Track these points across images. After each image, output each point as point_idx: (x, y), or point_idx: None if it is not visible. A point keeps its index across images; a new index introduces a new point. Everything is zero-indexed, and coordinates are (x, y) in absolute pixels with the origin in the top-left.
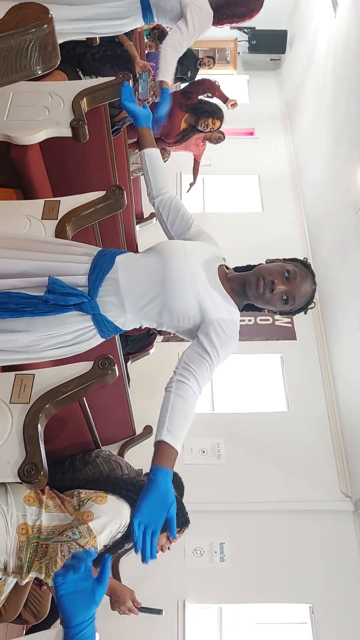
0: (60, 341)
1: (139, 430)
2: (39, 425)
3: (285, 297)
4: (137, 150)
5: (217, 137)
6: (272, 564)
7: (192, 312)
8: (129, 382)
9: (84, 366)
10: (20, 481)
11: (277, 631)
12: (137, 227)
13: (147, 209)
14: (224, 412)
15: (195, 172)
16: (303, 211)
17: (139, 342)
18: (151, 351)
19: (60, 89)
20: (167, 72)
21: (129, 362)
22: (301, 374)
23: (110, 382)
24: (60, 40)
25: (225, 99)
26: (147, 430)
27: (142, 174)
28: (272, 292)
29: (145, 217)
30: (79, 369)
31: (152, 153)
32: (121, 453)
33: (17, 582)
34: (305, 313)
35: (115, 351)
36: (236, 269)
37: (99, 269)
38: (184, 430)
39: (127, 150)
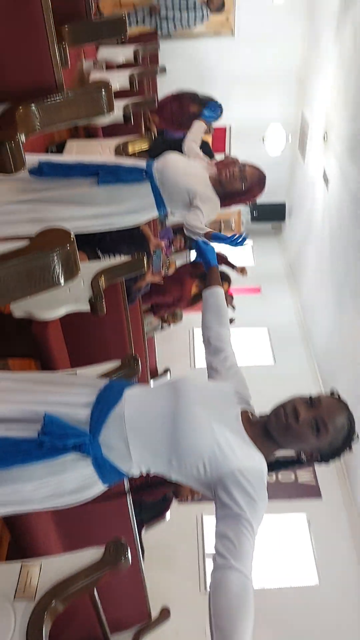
0: (59, 490)
1: (155, 611)
2: (43, 628)
3: (315, 423)
4: (153, 315)
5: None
6: None
7: (206, 460)
8: (142, 555)
9: (94, 553)
10: None
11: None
12: (151, 383)
13: (161, 364)
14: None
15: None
16: (315, 362)
17: (153, 508)
18: (167, 516)
19: (81, 270)
20: (202, 228)
21: (143, 530)
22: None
23: (124, 569)
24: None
25: (233, 267)
26: (164, 614)
27: (155, 333)
28: (297, 420)
29: (159, 372)
30: (88, 556)
31: (219, 290)
32: None
33: None
34: (351, 449)
35: (128, 524)
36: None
37: (105, 402)
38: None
39: (142, 315)
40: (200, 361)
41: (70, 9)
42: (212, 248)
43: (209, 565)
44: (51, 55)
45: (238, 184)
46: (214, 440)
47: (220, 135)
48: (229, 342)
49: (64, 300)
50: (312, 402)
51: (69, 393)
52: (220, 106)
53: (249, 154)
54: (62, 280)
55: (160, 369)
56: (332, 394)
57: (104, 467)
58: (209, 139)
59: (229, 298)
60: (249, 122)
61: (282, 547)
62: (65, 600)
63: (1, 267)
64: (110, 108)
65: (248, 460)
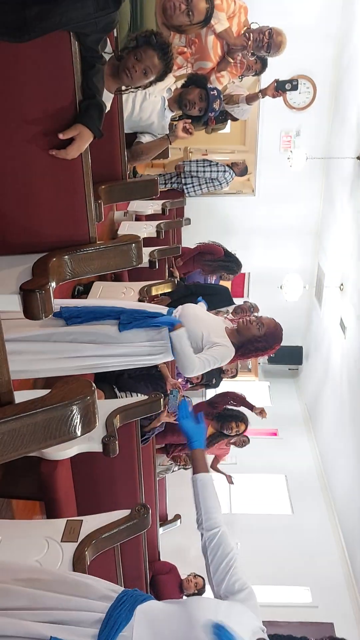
0: None
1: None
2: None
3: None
4: (166, 455)
5: (242, 441)
6: None
7: None
8: None
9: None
10: None
11: None
12: (161, 530)
13: (172, 511)
14: None
15: (215, 469)
16: (335, 515)
17: None
18: None
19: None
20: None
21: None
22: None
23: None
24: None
25: (251, 407)
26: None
27: (167, 475)
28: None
29: (169, 519)
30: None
31: (206, 479)
32: None
33: None
34: None
35: None
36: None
37: (113, 622)
38: None
39: (155, 456)
40: None
41: (108, 171)
42: (203, 427)
43: None
44: (87, 212)
45: (255, 330)
46: None
47: (240, 281)
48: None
49: (77, 439)
50: None
51: (78, 609)
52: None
53: (267, 299)
54: (79, 432)
55: (170, 515)
56: None
57: None
58: (229, 284)
59: (245, 439)
60: (267, 270)
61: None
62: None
63: (19, 418)
64: (139, 261)
65: None
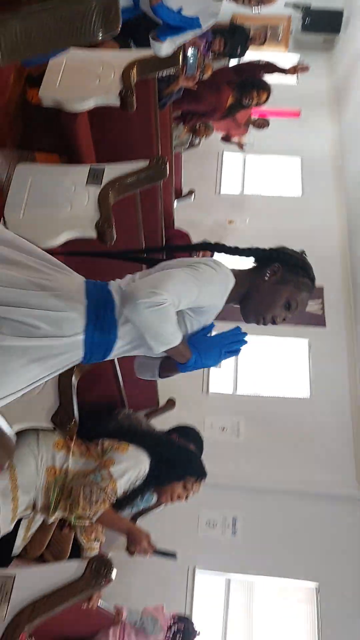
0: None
1: (162, 401)
2: (72, 378)
3: None
4: (183, 125)
5: (261, 123)
6: (282, 541)
7: None
8: None
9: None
10: (52, 427)
11: (281, 608)
12: (175, 203)
13: (187, 185)
14: (246, 393)
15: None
16: (344, 199)
17: None
18: None
19: (112, 58)
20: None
21: None
22: (327, 361)
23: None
24: None
25: (284, 71)
26: (170, 403)
27: (184, 150)
28: None
29: (184, 194)
30: None
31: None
32: None
33: (43, 522)
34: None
35: None
36: None
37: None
38: None
39: (171, 123)
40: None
41: None
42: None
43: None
44: None
45: None
46: None
47: None
48: None
49: (93, 90)
50: None
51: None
52: None
53: None
54: (100, 32)
55: (184, 191)
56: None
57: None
58: None
59: (264, 122)
60: None
61: (282, 366)
62: None
63: (42, 7)
64: None
65: None
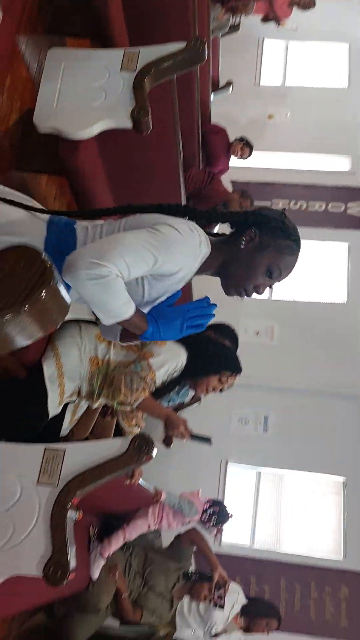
0: None
1: None
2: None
3: None
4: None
5: (306, 3)
6: (311, 438)
7: None
8: None
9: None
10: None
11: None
12: (212, 95)
13: (224, 77)
14: (281, 298)
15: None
16: None
17: None
18: None
19: None
20: None
21: None
22: None
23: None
24: None
25: None
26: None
27: (222, 35)
28: None
29: (221, 85)
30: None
31: None
32: None
33: (88, 407)
34: None
35: None
36: None
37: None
38: None
39: (209, 3)
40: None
41: None
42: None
43: None
44: None
45: None
46: None
47: None
48: None
49: None
50: None
51: None
52: None
53: None
54: None
55: (222, 82)
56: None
57: None
58: None
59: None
60: None
61: (320, 270)
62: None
63: None
64: None
65: None
